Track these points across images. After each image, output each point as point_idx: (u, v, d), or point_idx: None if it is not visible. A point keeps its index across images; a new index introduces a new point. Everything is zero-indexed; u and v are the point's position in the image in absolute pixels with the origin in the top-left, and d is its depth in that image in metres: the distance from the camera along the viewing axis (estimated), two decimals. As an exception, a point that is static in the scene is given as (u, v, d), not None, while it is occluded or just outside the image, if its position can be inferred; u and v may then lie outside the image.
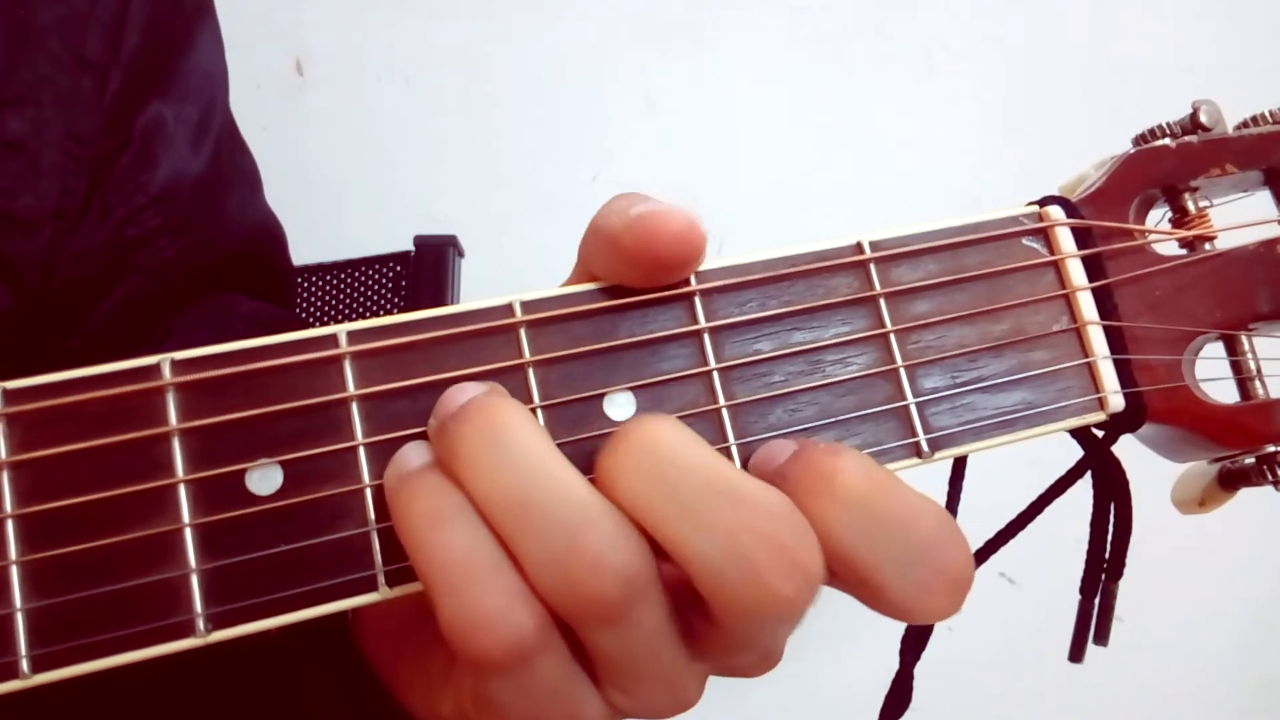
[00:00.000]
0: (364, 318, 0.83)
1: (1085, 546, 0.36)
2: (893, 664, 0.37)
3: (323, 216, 1.16)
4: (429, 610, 0.26)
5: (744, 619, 0.26)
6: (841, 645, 1.13)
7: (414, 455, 0.27)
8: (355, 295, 0.84)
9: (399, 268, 0.84)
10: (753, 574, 0.25)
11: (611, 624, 0.25)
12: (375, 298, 0.84)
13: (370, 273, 0.84)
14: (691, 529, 0.25)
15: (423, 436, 0.28)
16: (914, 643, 0.36)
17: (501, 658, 0.25)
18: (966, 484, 0.35)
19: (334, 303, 0.84)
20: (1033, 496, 0.36)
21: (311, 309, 0.84)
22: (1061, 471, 0.36)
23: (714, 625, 0.27)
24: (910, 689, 0.36)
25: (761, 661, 0.29)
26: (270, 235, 0.55)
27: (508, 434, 0.26)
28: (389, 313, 0.82)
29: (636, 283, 0.29)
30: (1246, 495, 0.36)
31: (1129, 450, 0.35)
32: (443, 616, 0.25)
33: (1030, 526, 0.36)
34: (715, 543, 0.25)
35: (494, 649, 0.25)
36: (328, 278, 0.84)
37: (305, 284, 0.84)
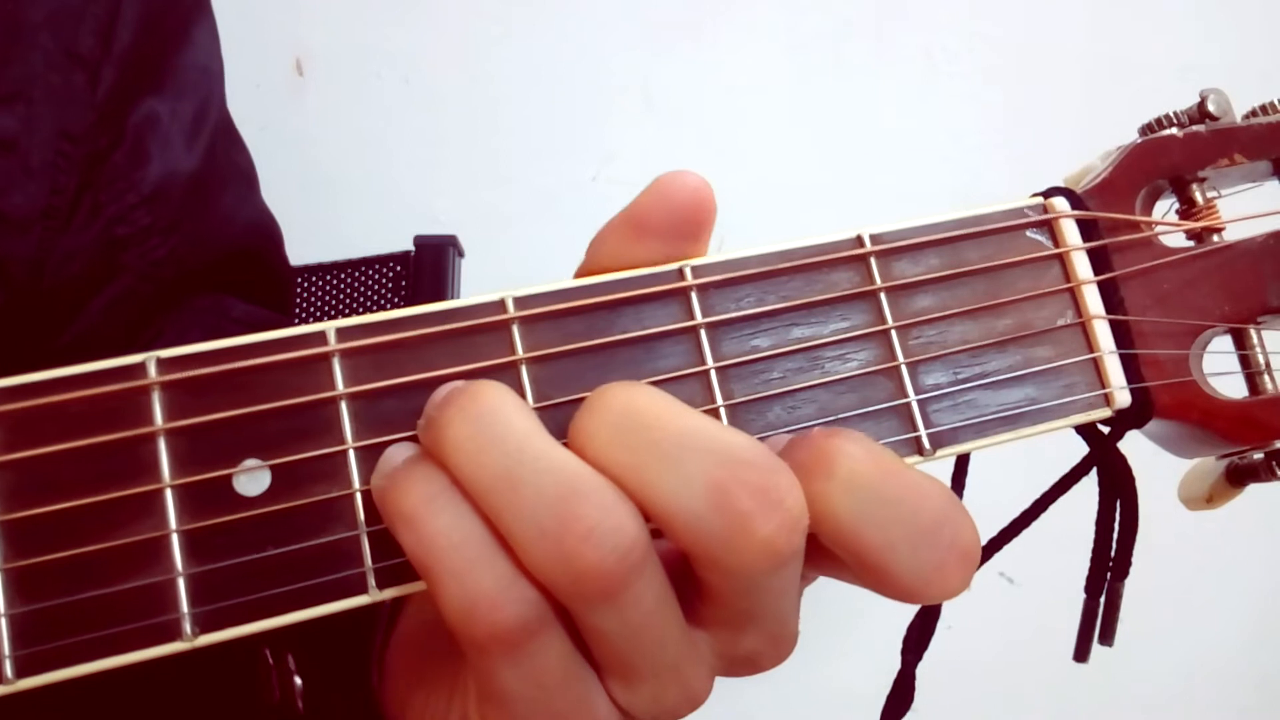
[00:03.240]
0: (363, 318, 0.83)
1: (1084, 543, 0.35)
2: (889, 662, 0.36)
3: (322, 216, 1.16)
4: (435, 624, 0.25)
5: (734, 574, 0.25)
6: (837, 645, 1.13)
7: (399, 454, 0.27)
8: (355, 295, 0.84)
9: (399, 268, 0.84)
10: (737, 519, 0.24)
11: (610, 600, 0.25)
12: (375, 298, 0.84)
13: (370, 273, 0.84)
14: (673, 480, 0.25)
15: (414, 439, 0.27)
16: (916, 642, 0.35)
17: (506, 634, 0.25)
18: (967, 479, 0.35)
19: (333, 303, 0.83)
20: (1033, 492, 0.36)
21: (311, 309, 0.83)
22: (1061, 467, 0.35)
23: (711, 597, 0.27)
24: (912, 689, 0.35)
25: (772, 645, 0.29)
26: (266, 233, 0.54)
27: (491, 414, 0.25)
28: (387, 313, 0.82)
29: (647, 253, 0.29)
30: (1247, 490, 0.36)
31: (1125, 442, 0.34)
32: (443, 601, 0.25)
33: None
34: (697, 492, 0.24)
35: (497, 626, 0.25)
36: (327, 278, 0.84)
37: (304, 284, 0.83)
